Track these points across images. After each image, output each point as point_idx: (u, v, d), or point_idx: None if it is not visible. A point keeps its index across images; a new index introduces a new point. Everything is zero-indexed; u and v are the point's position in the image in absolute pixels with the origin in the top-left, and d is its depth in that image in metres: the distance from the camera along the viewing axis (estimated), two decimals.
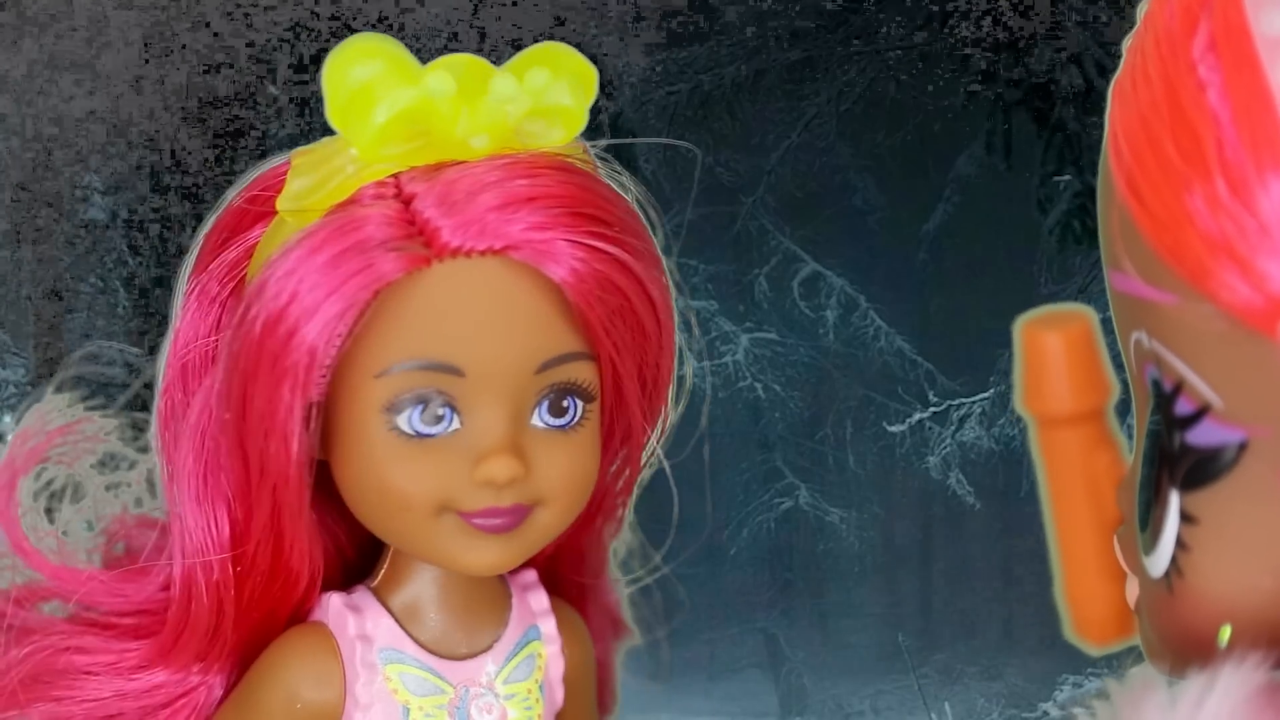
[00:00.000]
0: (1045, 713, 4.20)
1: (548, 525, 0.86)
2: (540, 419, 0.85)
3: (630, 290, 0.85)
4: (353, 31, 0.85)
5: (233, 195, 0.89)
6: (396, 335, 0.82)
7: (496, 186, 0.82)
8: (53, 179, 3.89)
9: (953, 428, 4.40)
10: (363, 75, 0.82)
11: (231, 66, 3.89)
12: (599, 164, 0.90)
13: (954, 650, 4.54)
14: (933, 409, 4.42)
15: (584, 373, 0.85)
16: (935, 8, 4.03)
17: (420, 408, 0.82)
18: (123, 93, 3.82)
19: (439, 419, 0.83)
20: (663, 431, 0.94)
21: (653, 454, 0.94)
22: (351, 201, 0.83)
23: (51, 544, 0.93)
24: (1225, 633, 0.63)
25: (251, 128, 3.97)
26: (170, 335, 0.90)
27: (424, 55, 0.85)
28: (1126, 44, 0.64)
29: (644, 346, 0.88)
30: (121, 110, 3.85)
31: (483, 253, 0.82)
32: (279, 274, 0.82)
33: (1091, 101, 3.93)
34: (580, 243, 0.83)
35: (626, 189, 0.89)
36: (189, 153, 3.94)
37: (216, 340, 0.87)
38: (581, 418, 0.85)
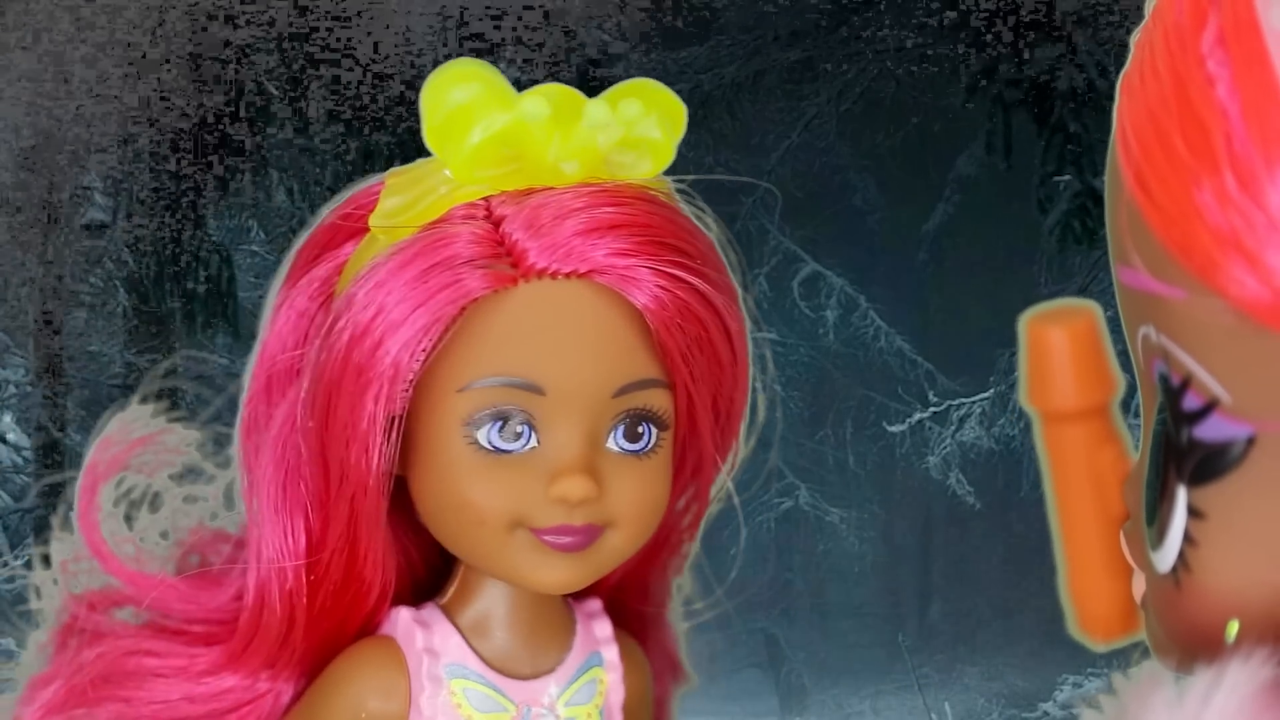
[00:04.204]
0: (1045, 713, 4.21)
1: (617, 548, 0.87)
2: (615, 443, 0.86)
3: (709, 321, 0.86)
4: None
5: (326, 212, 0.90)
6: (480, 351, 0.84)
7: (584, 212, 0.84)
8: (53, 179, 3.89)
9: (953, 428, 4.40)
10: (460, 98, 0.84)
11: (231, 69, 3.89)
12: (681, 200, 0.91)
13: (954, 650, 4.54)
14: (933, 409, 4.43)
15: (660, 400, 0.86)
16: (935, 8, 4.03)
17: (499, 424, 0.84)
18: (123, 94, 3.82)
19: (517, 436, 0.84)
20: (733, 466, 0.94)
21: (722, 488, 0.95)
22: (442, 220, 0.85)
23: (128, 550, 0.94)
24: (1233, 628, 0.63)
25: (250, 129, 3.97)
26: (257, 347, 0.91)
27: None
28: (1135, 38, 0.64)
29: (719, 378, 0.89)
30: (122, 111, 3.85)
31: (568, 275, 0.84)
32: (368, 287, 0.84)
33: (1091, 101, 3.93)
34: (663, 271, 0.84)
35: (708, 226, 0.91)
36: (189, 153, 3.94)
37: (302, 353, 0.88)
38: (655, 444, 0.87)
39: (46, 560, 0.95)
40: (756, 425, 0.94)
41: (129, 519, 0.94)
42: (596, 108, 0.85)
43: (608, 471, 0.85)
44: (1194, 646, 0.65)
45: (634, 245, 0.84)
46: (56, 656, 0.93)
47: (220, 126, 3.92)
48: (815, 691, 4.58)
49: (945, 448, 4.41)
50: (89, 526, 0.93)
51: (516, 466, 0.84)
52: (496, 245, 0.84)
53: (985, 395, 4.34)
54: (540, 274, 0.83)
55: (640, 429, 0.86)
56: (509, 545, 0.85)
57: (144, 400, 0.97)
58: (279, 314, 0.90)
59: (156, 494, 0.95)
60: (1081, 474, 0.74)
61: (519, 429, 0.84)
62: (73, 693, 0.91)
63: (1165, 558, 0.65)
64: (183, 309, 4.10)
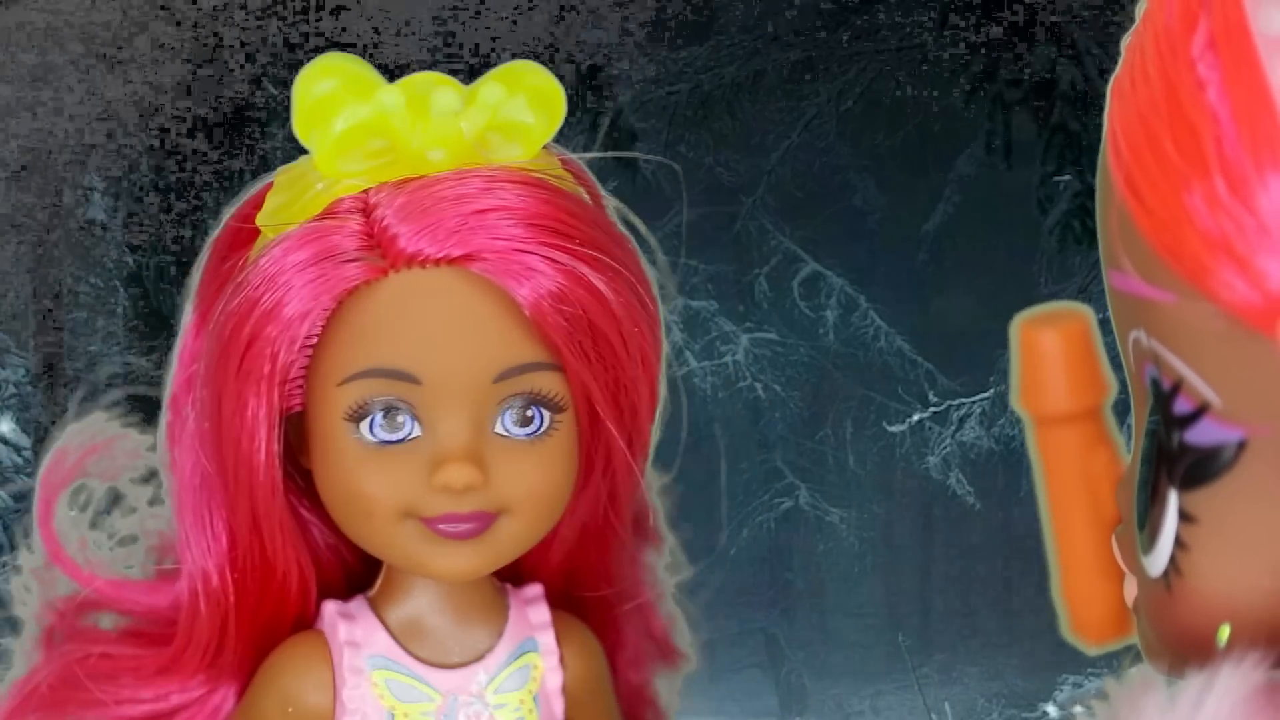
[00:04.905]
0: (1045, 713, 4.21)
1: (516, 533, 0.87)
2: (504, 427, 0.86)
3: (590, 305, 0.85)
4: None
5: (229, 213, 0.91)
6: (356, 344, 0.84)
7: (454, 199, 0.84)
8: (53, 179, 3.89)
9: (953, 428, 4.40)
10: (322, 90, 0.86)
11: (230, 68, 3.89)
12: (582, 176, 0.90)
13: (954, 650, 4.54)
14: (933, 409, 4.43)
15: (548, 383, 0.86)
16: (935, 8, 4.03)
17: (380, 415, 0.84)
18: (123, 93, 3.82)
19: (399, 426, 0.84)
20: (648, 452, 0.93)
21: (644, 471, 0.94)
22: (319, 215, 0.85)
23: (86, 556, 0.94)
24: (1224, 632, 0.63)
25: (250, 129, 3.97)
26: (174, 351, 0.91)
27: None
28: (1126, 42, 0.64)
29: (615, 361, 0.87)
30: (122, 111, 3.85)
31: (438, 262, 0.84)
32: (244, 283, 0.84)
33: (1091, 101, 3.93)
34: (535, 254, 0.84)
35: (604, 202, 0.90)
36: (189, 153, 3.94)
37: None
38: (549, 428, 0.86)
39: (20, 569, 0.96)
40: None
41: (94, 525, 0.95)
42: (443, 93, 0.85)
43: (497, 457, 0.85)
44: (1185, 650, 0.65)
45: (505, 230, 0.83)
46: (33, 661, 0.94)
47: (220, 126, 3.92)
48: (815, 691, 4.58)
49: (945, 448, 4.41)
50: (49, 536, 0.94)
51: (401, 457, 0.84)
52: (367, 237, 0.84)
53: (985, 395, 4.35)
54: (410, 262, 0.83)
55: (530, 413, 0.86)
56: (401, 535, 0.85)
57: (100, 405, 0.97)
58: (192, 316, 0.91)
59: (119, 498, 0.95)
60: (1074, 477, 0.74)
61: (400, 419, 0.84)
62: (31, 697, 0.92)
63: (1157, 562, 0.65)
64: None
